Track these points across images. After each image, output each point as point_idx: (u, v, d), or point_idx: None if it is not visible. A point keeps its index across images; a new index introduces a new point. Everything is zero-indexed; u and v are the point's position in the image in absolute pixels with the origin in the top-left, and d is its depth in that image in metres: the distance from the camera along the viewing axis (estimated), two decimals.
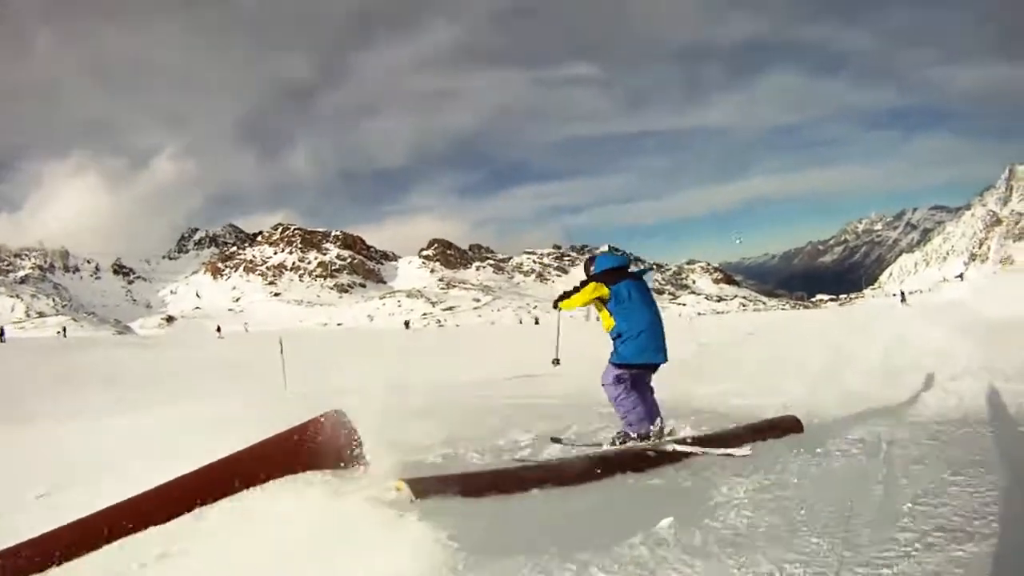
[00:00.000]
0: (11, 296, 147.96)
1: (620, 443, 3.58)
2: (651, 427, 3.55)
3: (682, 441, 3.47)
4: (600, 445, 3.70)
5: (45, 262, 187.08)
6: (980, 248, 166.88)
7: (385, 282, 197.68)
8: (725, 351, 14.97)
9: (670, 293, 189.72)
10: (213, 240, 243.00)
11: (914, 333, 14.05)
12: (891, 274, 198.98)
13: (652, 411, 3.64)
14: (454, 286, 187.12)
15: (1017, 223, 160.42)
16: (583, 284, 3.69)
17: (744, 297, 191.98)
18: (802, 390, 6.55)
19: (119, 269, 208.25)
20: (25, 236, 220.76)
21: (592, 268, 3.77)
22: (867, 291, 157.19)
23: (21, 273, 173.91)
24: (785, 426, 4.05)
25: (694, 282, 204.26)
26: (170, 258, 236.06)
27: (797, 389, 6.49)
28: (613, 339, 3.65)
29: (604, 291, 3.58)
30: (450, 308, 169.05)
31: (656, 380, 3.84)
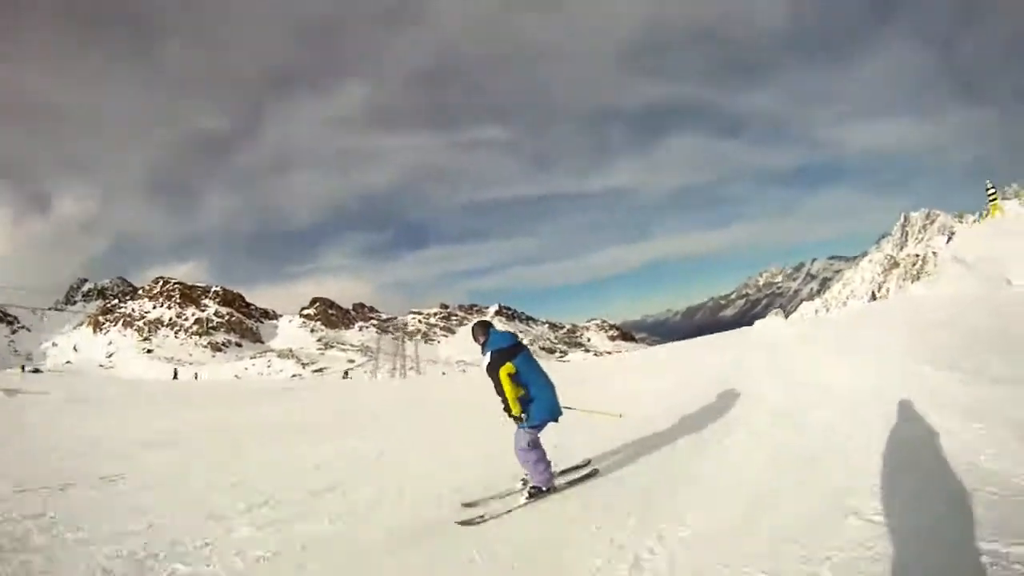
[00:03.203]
0: None
1: (532, 497, 4.17)
2: (552, 476, 4.28)
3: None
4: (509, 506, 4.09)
5: None
6: (880, 291, 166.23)
7: (263, 341, 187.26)
8: None
9: (560, 351, 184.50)
10: (101, 292, 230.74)
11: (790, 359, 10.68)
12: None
13: (548, 462, 4.27)
14: (332, 346, 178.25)
15: (914, 264, 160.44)
16: (493, 370, 4.12)
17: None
18: None
19: (3, 317, 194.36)
20: None
21: (483, 339, 4.26)
22: None
23: None
24: None
25: (588, 339, 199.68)
26: (57, 309, 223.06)
27: None
28: (520, 403, 4.10)
29: (512, 369, 4.11)
30: (320, 369, 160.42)
31: None
